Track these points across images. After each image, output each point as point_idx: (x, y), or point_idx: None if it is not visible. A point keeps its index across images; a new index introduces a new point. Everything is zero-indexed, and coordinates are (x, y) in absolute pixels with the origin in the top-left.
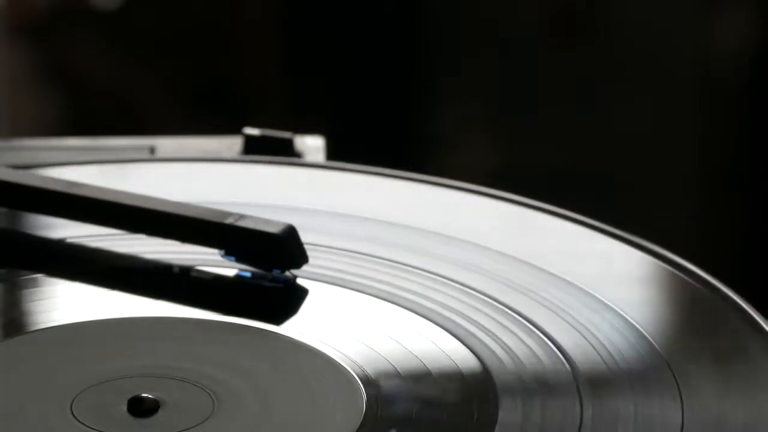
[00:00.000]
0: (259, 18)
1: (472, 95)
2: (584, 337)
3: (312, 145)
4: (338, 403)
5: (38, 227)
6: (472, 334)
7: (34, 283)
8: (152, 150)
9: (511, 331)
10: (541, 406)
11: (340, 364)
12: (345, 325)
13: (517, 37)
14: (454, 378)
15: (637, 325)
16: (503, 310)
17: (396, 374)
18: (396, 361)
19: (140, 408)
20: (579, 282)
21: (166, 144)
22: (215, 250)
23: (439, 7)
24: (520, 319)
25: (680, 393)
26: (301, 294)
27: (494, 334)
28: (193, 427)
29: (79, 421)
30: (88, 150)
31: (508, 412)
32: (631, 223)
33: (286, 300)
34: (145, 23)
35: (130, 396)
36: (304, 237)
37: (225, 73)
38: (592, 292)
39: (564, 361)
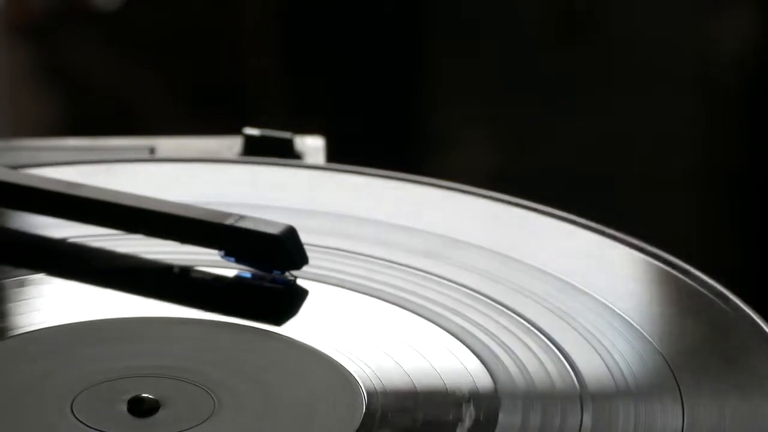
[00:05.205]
0: (259, 18)
1: (472, 95)
2: (584, 338)
3: (312, 145)
4: (338, 403)
5: (38, 227)
6: (472, 334)
7: (34, 283)
8: (152, 150)
9: (511, 332)
10: (542, 408)
11: (339, 364)
12: (345, 325)
13: (517, 37)
14: (455, 378)
15: (637, 326)
16: (503, 311)
17: (396, 374)
18: (396, 361)
19: (140, 408)
20: (579, 283)
21: (166, 144)
22: (215, 251)
23: (439, 7)
24: (520, 320)
25: (681, 396)
26: (300, 295)
27: (494, 335)
28: (193, 427)
29: (79, 421)
30: (88, 150)
31: (509, 413)
32: (631, 223)
33: (286, 301)
34: (145, 23)
35: (130, 396)
36: (304, 238)
37: (225, 73)
38: (591, 293)
39: (564, 361)
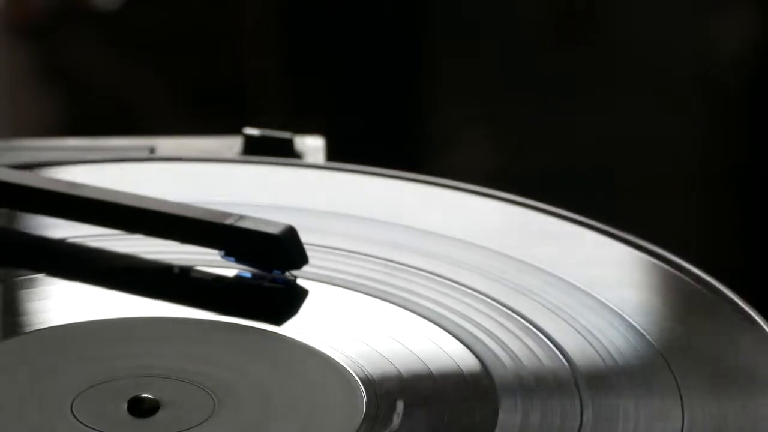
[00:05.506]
0: (259, 18)
1: (472, 95)
2: (584, 337)
3: (312, 145)
4: (338, 403)
5: (38, 227)
6: (472, 335)
7: (34, 283)
8: (152, 150)
9: (511, 332)
10: (541, 406)
11: (339, 364)
12: (345, 325)
13: (517, 37)
14: (454, 378)
15: (637, 326)
16: (503, 311)
17: (396, 374)
18: (396, 362)
19: (140, 408)
20: (579, 283)
21: (166, 144)
22: (215, 251)
23: (439, 7)
24: (520, 319)
25: (680, 394)
26: (300, 294)
27: (494, 335)
28: (193, 427)
29: (79, 421)
30: (88, 150)
31: (508, 413)
32: (631, 223)
33: (286, 300)
34: (145, 23)
35: (130, 396)
36: (304, 237)
37: (225, 73)
38: (592, 292)
39: (564, 361)
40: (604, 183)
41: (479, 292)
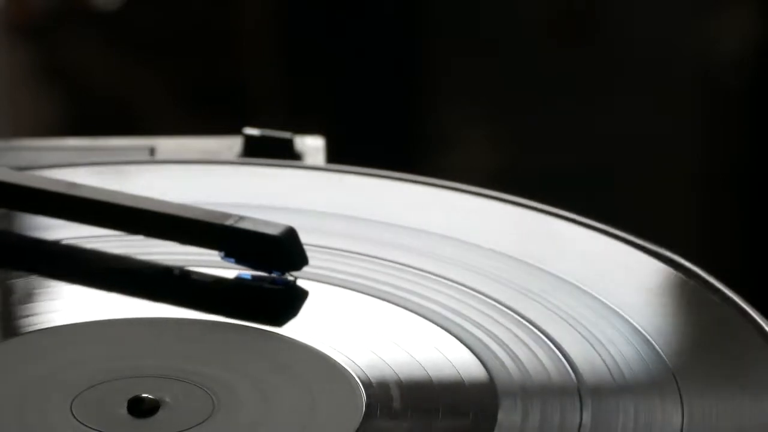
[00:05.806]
0: (259, 18)
1: (472, 95)
2: (584, 337)
3: (312, 145)
4: (338, 404)
5: (38, 228)
6: (473, 335)
7: (34, 284)
8: (152, 150)
9: (513, 333)
10: (541, 409)
11: (339, 365)
12: (345, 326)
13: (517, 37)
14: (454, 379)
15: (637, 325)
16: (504, 311)
17: (395, 375)
18: (396, 362)
19: (140, 408)
20: (579, 282)
21: (166, 144)
22: (215, 252)
23: (439, 7)
24: (521, 320)
25: (680, 394)
26: (301, 295)
27: (495, 335)
28: (193, 427)
29: (79, 421)
30: (88, 150)
31: (508, 415)
32: (631, 223)
33: (286, 301)
34: (145, 23)
35: (130, 396)
36: (304, 238)
37: (225, 74)
38: (591, 292)
39: (564, 360)
40: (604, 183)
41: (480, 292)
